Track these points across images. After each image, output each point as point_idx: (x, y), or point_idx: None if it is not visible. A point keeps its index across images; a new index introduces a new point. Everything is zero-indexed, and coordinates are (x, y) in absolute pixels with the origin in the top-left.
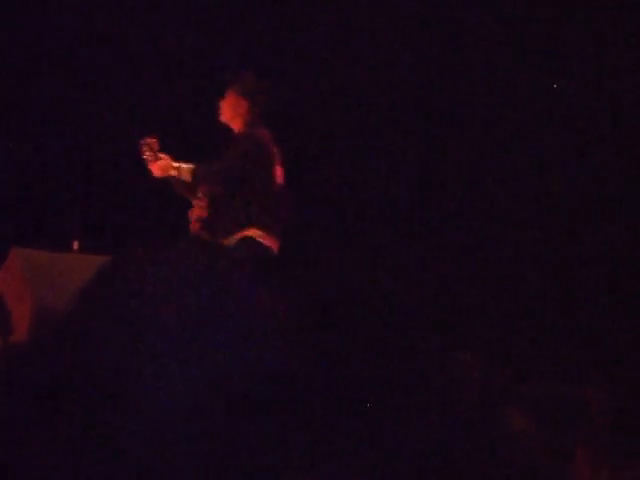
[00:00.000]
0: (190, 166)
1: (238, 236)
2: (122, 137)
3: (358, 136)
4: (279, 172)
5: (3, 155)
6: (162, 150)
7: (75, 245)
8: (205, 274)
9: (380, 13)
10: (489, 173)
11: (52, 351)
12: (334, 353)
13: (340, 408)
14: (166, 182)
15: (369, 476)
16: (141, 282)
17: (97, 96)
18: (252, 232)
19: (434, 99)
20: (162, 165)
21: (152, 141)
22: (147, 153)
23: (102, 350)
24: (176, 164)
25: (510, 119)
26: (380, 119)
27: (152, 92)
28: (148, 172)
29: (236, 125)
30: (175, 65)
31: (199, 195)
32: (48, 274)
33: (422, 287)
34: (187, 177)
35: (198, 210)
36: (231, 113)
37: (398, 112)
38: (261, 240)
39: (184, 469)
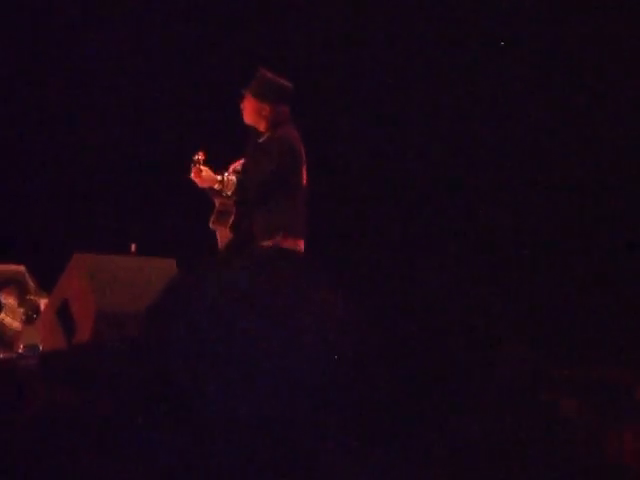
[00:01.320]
0: (232, 178)
1: (272, 242)
2: (175, 143)
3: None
4: (305, 172)
5: (61, 161)
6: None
7: (133, 248)
8: (278, 279)
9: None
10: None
11: (128, 355)
12: (395, 348)
13: (404, 401)
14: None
15: (433, 460)
16: (215, 288)
17: (149, 102)
18: (287, 242)
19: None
20: (205, 177)
21: (201, 156)
22: (195, 167)
23: (179, 355)
24: (219, 177)
25: None
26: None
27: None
28: (192, 183)
29: (262, 126)
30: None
31: (225, 193)
32: (108, 277)
33: (472, 281)
34: (230, 190)
35: (221, 205)
36: (255, 116)
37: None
38: (292, 246)
39: (260, 469)
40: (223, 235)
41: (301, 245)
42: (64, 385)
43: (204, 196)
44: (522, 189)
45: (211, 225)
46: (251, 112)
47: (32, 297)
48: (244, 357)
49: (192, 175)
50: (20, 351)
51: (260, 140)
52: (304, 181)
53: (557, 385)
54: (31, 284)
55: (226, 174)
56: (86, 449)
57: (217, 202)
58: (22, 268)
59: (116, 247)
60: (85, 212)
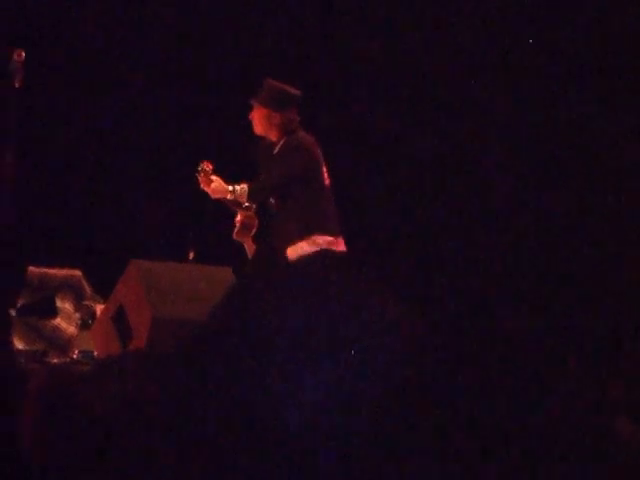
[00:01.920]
0: (244, 187)
1: (307, 246)
2: (234, 149)
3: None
4: (326, 173)
5: (120, 168)
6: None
7: (190, 255)
8: (336, 287)
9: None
10: None
11: (183, 363)
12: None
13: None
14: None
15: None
16: (276, 295)
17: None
18: (319, 239)
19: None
20: (216, 188)
21: (207, 166)
22: (201, 176)
23: (236, 363)
24: (230, 187)
25: None
26: None
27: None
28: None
29: (273, 135)
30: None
31: (245, 205)
32: (165, 284)
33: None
34: (242, 198)
35: (245, 217)
36: (265, 126)
37: None
38: (330, 246)
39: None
40: (250, 246)
41: (341, 243)
42: (118, 392)
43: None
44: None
45: (235, 237)
46: (261, 122)
47: (88, 302)
48: (303, 365)
49: (202, 185)
50: (75, 356)
51: (274, 152)
52: (326, 181)
53: (619, 407)
54: (87, 289)
55: (237, 185)
56: (139, 457)
57: (240, 214)
58: (78, 273)
59: (174, 254)
60: (143, 218)
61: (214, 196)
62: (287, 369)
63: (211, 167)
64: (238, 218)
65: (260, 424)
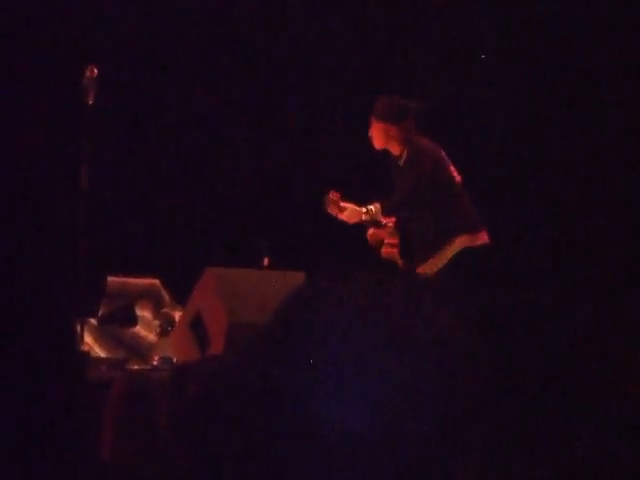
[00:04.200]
0: (377, 205)
1: (449, 252)
2: (307, 156)
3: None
4: (455, 171)
5: (195, 177)
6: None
7: (265, 262)
8: (401, 305)
9: None
10: None
11: (243, 367)
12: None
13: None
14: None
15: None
16: (335, 305)
17: (286, 120)
18: (459, 242)
19: None
20: (350, 214)
21: (334, 195)
22: (332, 207)
23: (290, 370)
24: (364, 209)
25: None
26: None
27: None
28: (340, 223)
29: (394, 148)
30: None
31: (383, 223)
32: (241, 290)
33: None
34: (378, 217)
35: (387, 238)
36: (384, 139)
37: None
38: (470, 244)
39: None
40: (401, 264)
41: (483, 237)
42: (197, 396)
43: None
44: None
45: (384, 254)
46: (379, 136)
47: (167, 310)
48: (364, 374)
49: (337, 216)
50: (155, 363)
51: (400, 164)
52: (456, 178)
53: None
54: (166, 297)
55: (369, 206)
56: (215, 459)
57: (383, 233)
58: (157, 282)
59: (249, 261)
60: (219, 227)
61: (350, 221)
62: (345, 378)
63: (338, 195)
64: (371, 232)
65: (321, 430)
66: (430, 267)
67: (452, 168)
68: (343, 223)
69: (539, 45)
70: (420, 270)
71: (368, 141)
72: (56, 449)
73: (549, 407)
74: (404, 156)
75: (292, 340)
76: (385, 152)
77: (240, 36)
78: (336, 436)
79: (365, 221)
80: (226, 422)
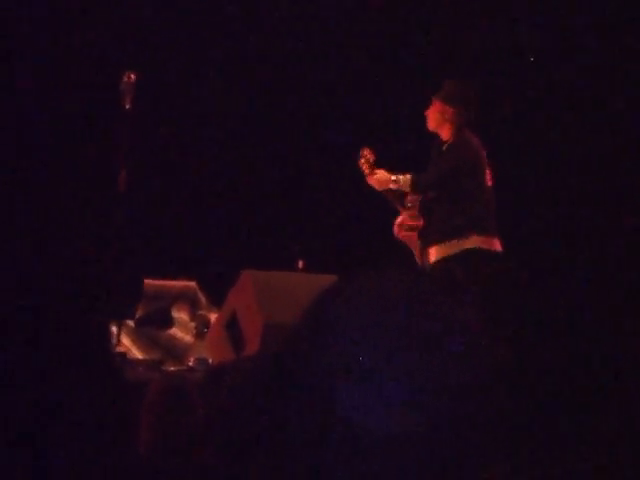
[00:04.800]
0: (407, 176)
1: (461, 244)
2: (343, 158)
3: None
4: (489, 175)
5: (229, 183)
6: (377, 163)
7: (300, 264)
8: (423, 302)
9: None
10: None
11: (275, 365)
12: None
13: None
14: (381, 196)
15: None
16: (363, 305)
17: (317, 119)
18: (474, 239)
19: None
20: (380, 178)
21: (368, 153)
22: (364, 165)
23: (320, 367)
24: (393, 176)
25: None
26: None
27: (364, 107)
28: (366, 186)
29: (444, 132)
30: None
31: (407, 204)
32: (276, 292)
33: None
34: (406, 188)
35: (406, 219)
36: (438, 121)
37: None
38: (483, 246)
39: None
40: (417, 247)
41: (496, 244)
42: (231, 397)
43: (373, 214)
44: None
45: (397, 236)
46: (435, 117)
47: (203, 312)
48: (390, 371)
49: (367, 177)
50: (190, 364)
51: (443, 148)
52: (488, 182)
53: None
54: (202, 299)
55: (400, 175)
56: (249, 459)
57: (402, 214)
58: (193, 284)
59: (284, 264)
60: (255, 230)
61: (378, 187)
62: (374, 376)
63: (373, 156)
64: (399, 219)
65: (350, 426)
66: (440, 252)
67: (488, 171)
68: (370, 188)
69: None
70: (430, 251)
71: (423, 120)
72: (95, 447)
73: (571, 404)
74: (449, 142)
75: (320, 339)
76: (433, 138)
77: (272, 37)
78: (366, 434)
79: (390, 192)
80: (260, 421)
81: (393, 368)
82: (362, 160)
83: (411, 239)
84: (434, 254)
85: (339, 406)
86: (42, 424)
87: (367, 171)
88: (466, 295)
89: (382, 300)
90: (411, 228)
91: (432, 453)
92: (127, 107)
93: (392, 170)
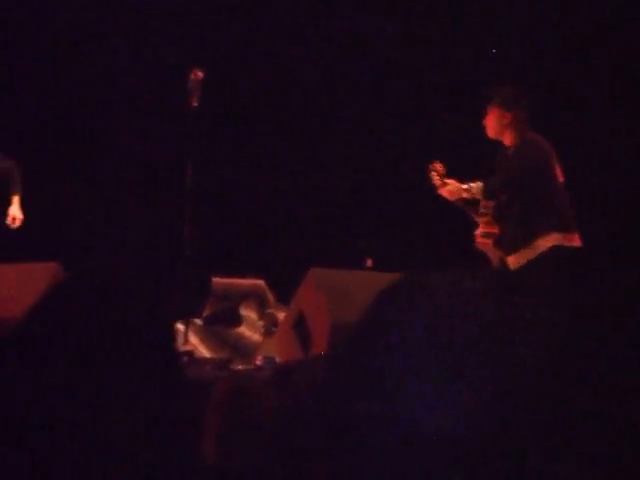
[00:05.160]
0: (479, 184)
1: (540, 245)
2: (413, 160)
3: None
4: (559, 170)
5: (299, 180)
6: (447, 174)
7: (369, 263)
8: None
9: None
10: None
11: (338, 363)
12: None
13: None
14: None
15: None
16: (427, 305)
17: (386, 124)
18: (552, 238)
19: None
20: (452, 189)
21: (439, 166)
22: (435, 178)
23: (379, 365)
24: (465, 185)
25: None
26: None
27: (426, 118)
28: (439, 197)
29: (506, 138)
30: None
31: (481, 211)
32: (344, 291)
33: None
34: (479, 195)
35: (484, 226)
36: (497, 128)
37: None
38: (565, 243)
39: None
40: (495, 256)
41: (576, 240)
42: (297, 397)
43: (446, 213)
44: None
45: (477, 245)
46: (494, 124)
47: (271, 310)
48: (455, 372)
49: (439, 189)
50: (258, 363)
51: (509, 152)
52: (560, 178)
53: None
54: (270, 298)
55: (472, 183)
56: (318, 460)
57: (480, 223)
58: (262, 282)
59: (353, 262)
60: (324, 227)
61: (451, 198)
62: (430, 373)
63: (443, 168)
64: (479, 230)
65: (413, 430)
66: (520, 258)
67: (558, 167)
68: (442, 199)
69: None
70: (510, 259)
71: (482, 130)
72: (158, 451)
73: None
74: (514, 146)
75: (383, 338)
76: (497, 145)
77: (337, 37)
78: (428, 436)
79: (464, 200)
80: (327, 422)
81: (456, 369)
82: (433, 173)
83: (488, 246)
84: (515, 260)
85: (401, 407)
86: (102, 424)
87: (438, 183)
88: (539, 297)
89: (444, 300)
90: (487, 235)
91: (497, 456)
92: (194, 105)
93: (462, 180)
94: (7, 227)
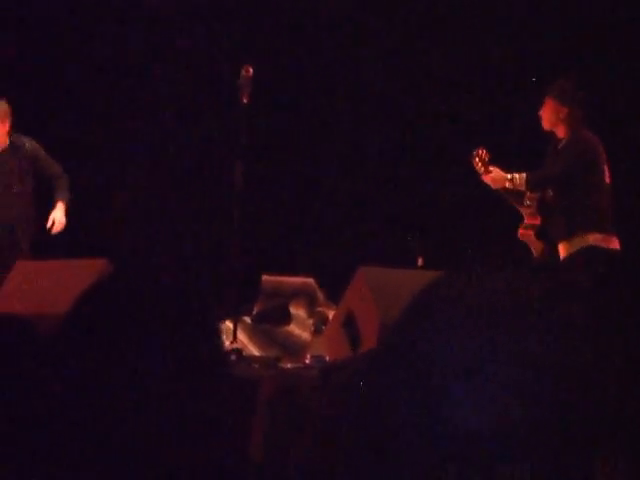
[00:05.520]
0: (523, 175)
1: (579, 243)
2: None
3: None
4: (607, 172)
5: (349, 177)
6: (492, 161)
7: (419, 261)
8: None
9: None
10: None
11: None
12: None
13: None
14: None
15: None
16: (468, 301)
17: (438, 119)
18: (592, 238)
19: None
20: (495, 177)
21: (483, 152)
22: (479, 165)
23: (420, 363)
24: (509, 175)
25: None
26: None
27: (472, 105)
28: (481, 184)
29: (560, 131)
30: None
31: (526, 203)
32: (394, 290)
33: None
34: (521, 186)
35: (527, 218)
36: (553, 120)
37: None
38: (602, 244)
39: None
40: (537, 247)
41: (615, 242)
42: (340, 397)
43: (499, 210)
44: None
45: (520, 237)
46: (550, 116)
47: (321, 309)
48: (494, 372)
49: (482, 176)
50: (307, 362)
51: (559, 146)
52: (607, 179)
53: None
54: (320, 296)
55: (516, 174)
56: (362, 459)
57: (524, 212)
58: (312, 280)
59: (403, 261)
60: (375, 225)
61: (494, 186)
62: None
63: (488, 155)
64: (523, 222)
65: (446, 429)
66: (560, 251)
67: (606, 168)
68: (486, 186)
69: None
70: (547, 251)
71: (538, 120)
72: (204, 450)
73: None
74: (565, 140)
75: (421, 337)
76: (550, 136)
77: (387, 36)
78: (462, 435)
79: (507, 192)
80: (370, 423)
81: (500, 366)
82: (477, 159)
83: (530, 238)
84: (558, 251)
85: (445, 405)
86: (148, 422)
87: (482, 170)
88: (581, 295)
89: (487, 297)
90: (530, 227)
91: (543, 452)
92: (244, 101)
93: (507, 169)
94: (48, 230)
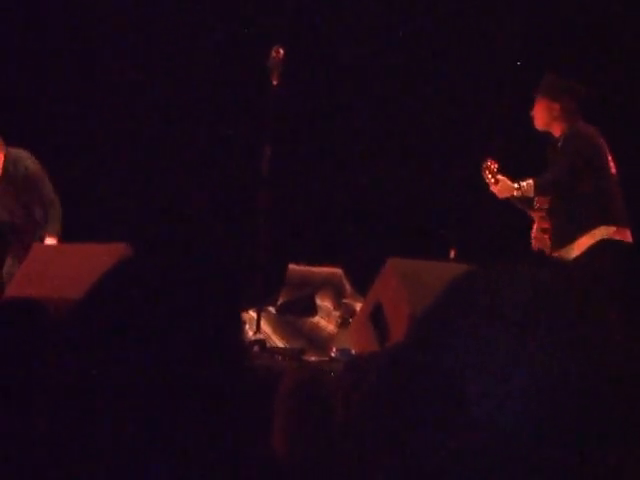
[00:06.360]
0: (530, 182)
1: (589, 239)
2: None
3: None
4: (611, 162)
5: (379, 168)
6: (500, 171)
7: (452, 253)
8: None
9: None
10: None
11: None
12: None
13: None
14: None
15: None
16: (493, 297)
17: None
18: (602, 230)
19: None
20: (502, 188)
21: (492, 164)
22: (488, 176)
23: (447, 361)
24: (516, 184)
25: None
26: None
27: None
28: (491, 195)
29: (555, 129)
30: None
31: (536, 206)
32: (424, 282)
33: None
34: (530, 193)
35: (539, 221)
36: (546, 119)
37: None
38: (614, 237)
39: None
40: (550, 249)
41: (627, 235)
42: (371, 390)
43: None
44: None
45: (534, 246)
46: (542, 115)
47: (348, 301)
48: (524, 368)
49: (491, 187)
50: (333, 354)
51: (558, 145)
52: (612, 170)
53: None
54: (348, 287)
55: (522, 182)
56: (387, 456)
57: (535, 216)
58: (339, 271)
59: (435, 253)
60: (406, 216)
61: (501, 196)
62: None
63: (496, 165)
64: (535, 226)
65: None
66: (566, 253)
67: (610, 158)
68: (493, 195)
69: None
70: (561, 252)
71: (530, 121)
72: (225, 443)
73: None
74: (562, 138)
75: (448, 330)
76: (546, 136)
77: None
78: (489, 429)
79: (515, 198)
80: (392, 419)
81: (524, 363)
82: (487, 172)
83: (544, 242)
84: (567, 254)
85: (468, 402)
86: (166, 414)
87: (491, 181)
88: (600, 290)
89: (512, 293)
90: (544, 230)
91: (565, 452)
92: (274, 83)
93: (515, 178)
94: None
